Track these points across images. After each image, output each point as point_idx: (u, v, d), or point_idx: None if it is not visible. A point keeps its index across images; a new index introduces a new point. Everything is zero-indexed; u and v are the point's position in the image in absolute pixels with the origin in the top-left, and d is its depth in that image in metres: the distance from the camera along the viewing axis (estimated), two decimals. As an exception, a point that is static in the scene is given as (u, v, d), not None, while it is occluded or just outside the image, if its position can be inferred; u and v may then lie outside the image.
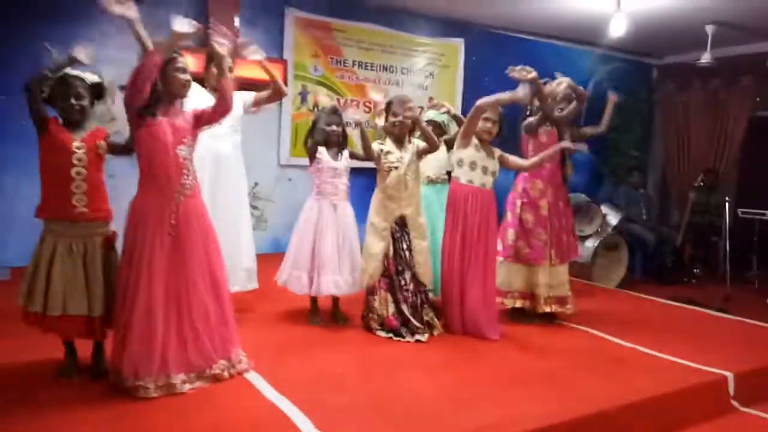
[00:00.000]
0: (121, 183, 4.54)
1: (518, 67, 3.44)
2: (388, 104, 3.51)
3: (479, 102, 3.36)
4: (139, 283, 2.42)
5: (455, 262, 3.44)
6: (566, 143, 3.59)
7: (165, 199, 2.49)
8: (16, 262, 4.25)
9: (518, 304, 3.80)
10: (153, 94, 2.46)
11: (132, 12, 2.50)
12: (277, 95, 3.63)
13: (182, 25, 2.37)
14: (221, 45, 2.66)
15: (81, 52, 2.46)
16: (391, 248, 3.40)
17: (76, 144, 2.46)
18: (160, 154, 2.48)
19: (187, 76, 2.56)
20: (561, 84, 3.77)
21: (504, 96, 3.32)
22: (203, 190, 2.80)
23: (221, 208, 3.28)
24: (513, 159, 3.62)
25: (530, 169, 3.70)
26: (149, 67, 2.39)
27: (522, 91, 3.28)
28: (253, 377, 2.66)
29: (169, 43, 2.42)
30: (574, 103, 3.89)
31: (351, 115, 3.40)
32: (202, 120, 2.67)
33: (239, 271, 3.44)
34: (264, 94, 3.59)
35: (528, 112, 3.86)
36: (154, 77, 2.43)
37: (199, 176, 2.74)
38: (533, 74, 3.44)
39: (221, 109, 2.68)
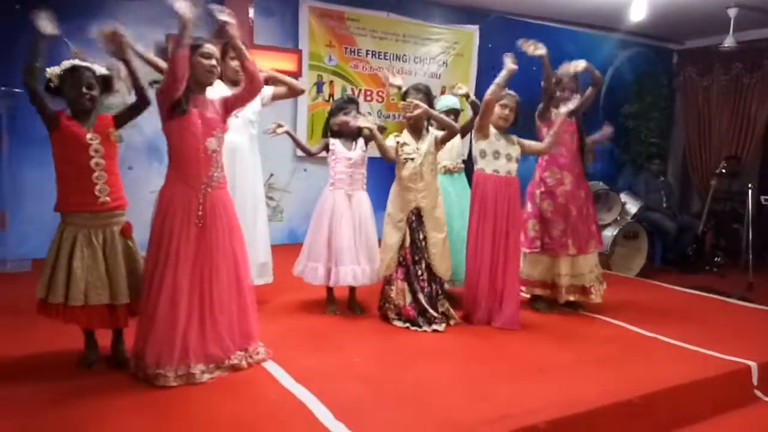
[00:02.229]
0: (140, 175, 4.64)
1: (530, 41, 3.45)
2: (404, 94, 3.48)
3: (487, 98, 3.34)
4: (165, 272, 2.45)
5: (485, 253, 3.42)
6: (598, 136, 3.56)
7: (193, 190, 2.50)
8: (37, 254, 4.32)
9: (538, 291, 3.78)
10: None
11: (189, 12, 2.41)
12: (294, 94, 3.67)
13: (184, 7, 2.33)
14: (230, 24, 2.55)
15: (43, 22, 2.34)
16: (408, 238, 3.39)
17: (89, 136, 2.47)
18: (190, 145, 2.49)
19: (213, 62, 2.56)
20: (579, 65, 3.70)
21: (501, 78, 3.31)
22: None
23: (237, 202, 3.27)
24: (529, 143, 3.59)
25: (547, 149, 3.64)
26: (179, 64, 2.38)
27: (509, 61, 3.29)
28: (272, 367, 2.68)
29: (181, 30, 2.38)
30: (590, 89, 3.83)
31: (363, 122, 3.38)
32: (233, 104, 2.67)
33: (254, 265, 3.44)
34: (282, 90, 3.60)
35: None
36: (188, 72, 2.44)
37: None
38: (542, 50, 3.47)
39: (252, 89, 2.65)
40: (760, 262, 5.95)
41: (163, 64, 2.70)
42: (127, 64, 2.50)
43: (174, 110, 2.46)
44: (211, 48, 2.57)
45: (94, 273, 2.47)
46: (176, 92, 2.44)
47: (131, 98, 2.60)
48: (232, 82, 3.38)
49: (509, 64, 3.29)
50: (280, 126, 3.51)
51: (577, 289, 3.78)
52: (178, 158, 2.52)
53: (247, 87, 2.64)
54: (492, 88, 3.33)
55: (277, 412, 2.29)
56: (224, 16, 2.53)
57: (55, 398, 2.30)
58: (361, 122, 3.36)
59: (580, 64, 3.69)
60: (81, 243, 2.47)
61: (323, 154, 3.59)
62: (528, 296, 3.80)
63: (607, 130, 4.04)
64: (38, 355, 2.72)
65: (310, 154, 3.64)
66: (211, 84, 2.63)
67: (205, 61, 2.53)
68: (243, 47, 2.61)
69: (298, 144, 3.71)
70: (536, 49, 3.45)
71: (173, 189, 2.51)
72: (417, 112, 3.30)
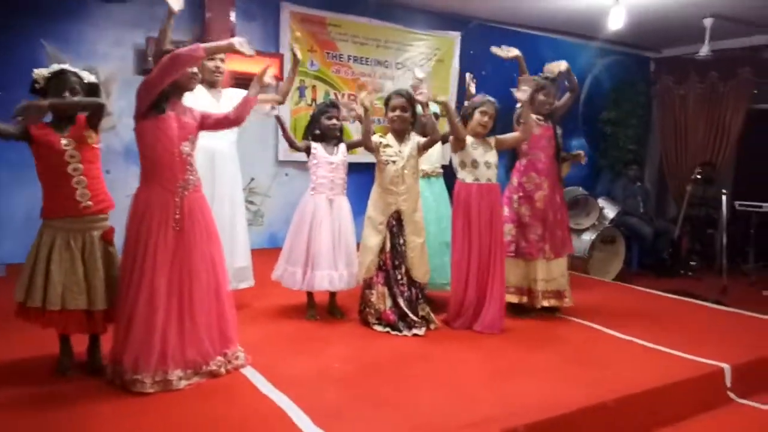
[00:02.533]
0: (117, 177, 4.58)
1: (501, 47, 3.58)
2: (387, 99, 3.49)
3: (450, 104, 3.44)
4: (142, 275, 2.43)
5: (472, 262, 3.43)
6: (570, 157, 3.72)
7: (169, 193, 2.49)
8: (11, 259, 4.25)
9: (515, 299, 3.79)
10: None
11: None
12: (277, 103, 3.68)
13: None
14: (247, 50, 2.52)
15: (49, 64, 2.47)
16: (389, 242, 3.39)
17: (64, 142, 2.44)
18: (166, 148, 2.48)
19: (194, 69, 2.56)
20: (561, 65, 3.75)
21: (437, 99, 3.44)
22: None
23: (216, 207, 3.27)
24: (505, 137, 3.60)
25: (526, 136, 3.60)
26: (186, 63, 2.40)
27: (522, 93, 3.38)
28: (251, 373, 2.66)
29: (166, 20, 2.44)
30: (567, 94, 3.90)
31: (354, 105, 3.40)
32: (208, 124, 2.68)
33: (233, 269, 3.42)
34: (265, 97, 3.60)
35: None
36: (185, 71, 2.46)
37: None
38: (515, 51, 3.60)
39: (231, 124, 2.76)
40: (733, 266, 6.08)
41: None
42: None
43: (151, 109, 2.45)
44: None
45: (71, 277, 2.44)
46: (161, 89, 2.42)
47: (109, 101, 2.58)
48: (210, 84, 3.38)
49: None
50: (273, 108, 3.52)
51: (552, 294, 3.82)
52: (152, 161, 2.50)
53: (232, 118, 2.72)
54: (454, 124, 3.38)
55: (256, 418, 2.27)
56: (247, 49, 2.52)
57: (29, 404, 2.27)
58: (365, 97, 3.28)
59: (562, 64, 3.75)
60: (59, 247, 2.44)
61: (304, 157, 3.58)
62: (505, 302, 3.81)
63: (582, 157, 4.10)
64: (13, 361, 2.67)
65: (293, 146, 3.54)
66: (191, 89, 2.62)
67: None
68: (259, 86, 2.76)
69: (285, 132, 3.61)
70: (509, 52, 3.58)
71: (149, 192, 2.50)
72: (422, 93, 3.28)
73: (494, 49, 3.66)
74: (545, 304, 3.79)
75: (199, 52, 2.40)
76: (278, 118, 3.60)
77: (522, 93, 3.38)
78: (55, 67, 2.45)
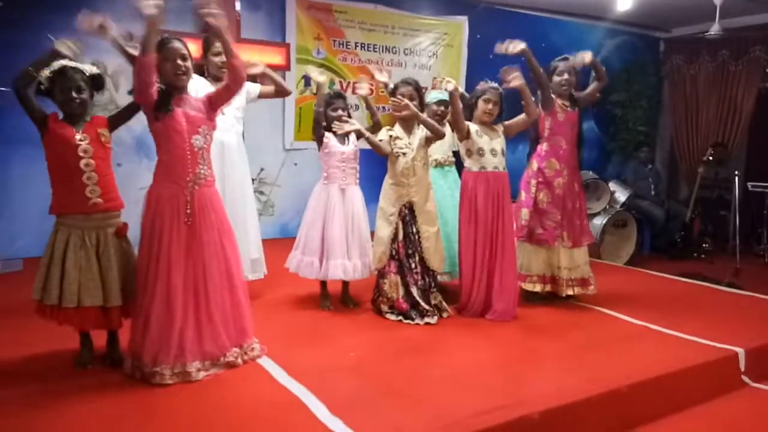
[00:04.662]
0: (129, 171, 4.61)
1: (505, 42, 3.44)
2: (394, 88, 3.48)
3: (455, 109, 3.35)
4: (158, 271, 2.45)
5: (478, 251, 3.43)
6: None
7: (180, 188, 2.50)
8: (28, 253, 4.30)
9: (537, 288, 3.77)
10: (159, 91, 2.45)
11: (104, 25, 2.50)
12: (282, 95, 3.68)
13: (150, 6, 2.26)
14: (216, 16, 2.44)
15: (63, 45, 2.43)
16: (401, 232, 3.40)
17: (78, 137, 2.46)
18: (176, 145, 2.49)
19: (178, 63, 2.48)
20: (586, 57, 3.69)
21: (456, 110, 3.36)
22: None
23: (228, 200, 3.29)
24: (513, 121, 3.56)
25: (532, 117, 3.55)
26: (144, 69, 2.35)
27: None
28: (267, 363, 2.69)
29: (147, 33, 2.32)
30: (594, 84, 3.85)
31: (348, 128, 3.38)
32: (216, 100, 2.63)
33: (246, 261, 3.45)
34: (269, 89, 3.61)
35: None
36: (156, 76, 2.41)
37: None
38: (521, 45, 3.43)
39: (234, 85, 2.61)
40: (746, 247, 6.05)
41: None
42: (119, 48, 2.54)
43: (157, 111, 2.46)
44: (176, 47, 2.49)
45: (87, 274, 2.47)
46: (148, 98, 2.42)
47: (118, 95, 2.59)
48: (215, 78, 3.37)
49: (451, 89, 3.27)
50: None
51: (576, 282, 3.79)
52: (166, 157, 2.52)
53: (229, 82, 2.60)
54: (457, 114, 3.35)
55: (272, 408, 2.31)
56: (208, 8, 2.42)
57: (51, 397, 2.31)
58: (347, 128, 3.34)
59: (586, 57, 3.69)
60: (74, 244, 2.47)
61: (312, 145, 3.59)
62: (528, 290, 3.80)
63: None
64: (33, 356, 2.72)
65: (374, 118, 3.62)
66: (183, 85, 2.55)
67: (168, 65, 2.46)
68: (229, 41, 2.53)
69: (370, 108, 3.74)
70: (515, 46, 3.41)
71: (160, 189, 2.52)
72: (405, 113, 3.31)
73: (499, 48, 3.45)
74: (570, 292, 3.76)
75: (145, 55, 2.32)
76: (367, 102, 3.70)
77: (515, 80, 3.32)
78: (56, 65, 2.44)
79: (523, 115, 3.56)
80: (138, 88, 2.41)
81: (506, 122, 3.55)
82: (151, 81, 2.40)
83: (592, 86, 3.88)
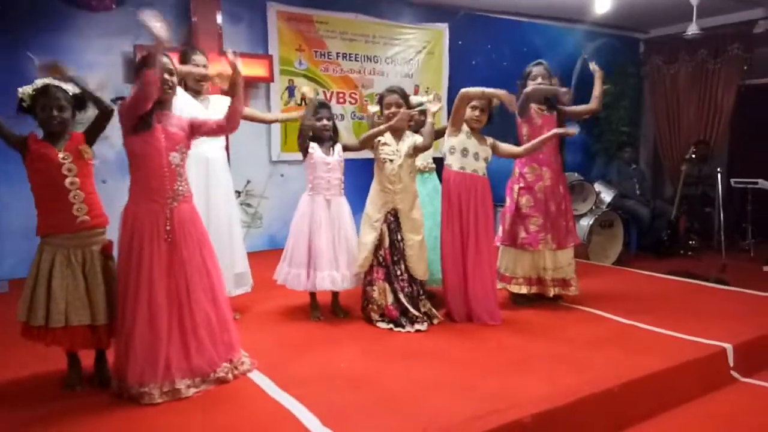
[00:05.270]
0: (114, 187, 4.54)
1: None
2: (381, 97, 3.50)
3: (463, 90, 3.37)
4: (139, 290, 2.43)
5: (456, 250, 3.45)
6: (558, 129, 3.58)
7: (158, 205, 2.48)
8: (13, 275, 4.25)
9: (524, 290, 3.80)
10: None
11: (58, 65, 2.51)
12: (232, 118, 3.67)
13: (151, 18, 2.26)
14: (158, 29, 2.29)
15: (46, 69, 2.47)
16: (387, 239, 3.40)
17: (61, 155, 2.44)
18: (154, 160, 2.47)
19: (165, 77, 2.50)
20: (597, 72, 3.91)
21: (488, 90, 3.34)
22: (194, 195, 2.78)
23: (213, 214, 3.28)
24: (506, 147, 3.61)
25: (524, 155, 3.67)
26: (151, 84, 2.34)
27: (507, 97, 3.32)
28: (257, 377, 2.67)
29: (156, 50, 2.33)
30: (588, 107, 3.93)
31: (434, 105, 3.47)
32: (201, 131, 2.66)
33: (231, 276, 3.42)
34: (247, 110, 3.62)
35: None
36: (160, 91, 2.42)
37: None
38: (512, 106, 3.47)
39: (228, 129, 2.70)
40: (732, 243, 6.11)
41: (106, 101, 2.60)
42: (75, 83, 2.50)
43: (138, 125, 2.44)
44: (163, 62, 2.49)
45: (74, 293, 2.44)
46: (144, 111, 2.42)
47: (94, 111, 2.57)
48: (194, 91, 3.36)
49: (502, 95, 3.30)
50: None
51: (558, 282, 3.83)
52: (142, 174, 2.49)
53: (225, 125, 2.66)
54: (474, 89, 3.35)
55: (264, 422, 2.29)
56: (148, 19, 2.29)
57: (39, 421, 2.27)
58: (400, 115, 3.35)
59: (597, 72, 3.91)
60: (60, 263, 2.44)
61: (298, 157, 3.58)
62: (513, 292, 3.83)
63: (571, 130, 4.05)
64: (21, 377, 2.68)
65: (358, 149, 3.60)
66: (168, 99, 2.57)
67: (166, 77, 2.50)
68: (241, 84, 2.62)
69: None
70: (509, 105, 3.40)
71: (137, 207, 2.49)
72: (401, 123, 3.35)
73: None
74: (554, 292, 3.80)
75: (150, 76, 2.32)
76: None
77: (513, 106, 3.42)
78: (39, 83, 2.43)
79: (517, 150, 3.64)
80: (139, 101, 2.38)
81: (498, 142, 3.58)
82: (154, 97, 2.40)
83: (584, 107, 3.93)
